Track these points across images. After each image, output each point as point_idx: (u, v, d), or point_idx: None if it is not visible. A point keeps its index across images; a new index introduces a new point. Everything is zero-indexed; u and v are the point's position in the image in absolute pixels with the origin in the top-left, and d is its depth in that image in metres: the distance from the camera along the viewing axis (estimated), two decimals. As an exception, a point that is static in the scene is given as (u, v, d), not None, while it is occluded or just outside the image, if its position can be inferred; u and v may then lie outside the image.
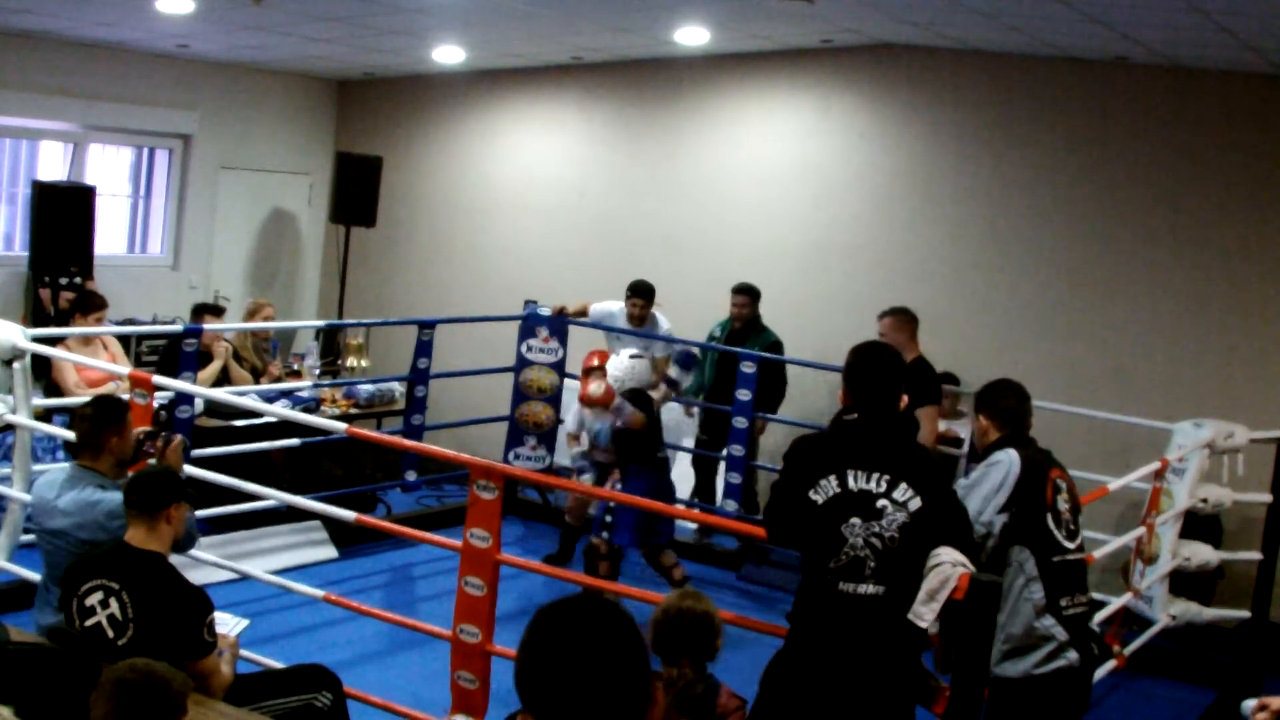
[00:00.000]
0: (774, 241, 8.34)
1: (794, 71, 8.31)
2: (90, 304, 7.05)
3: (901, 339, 6.28)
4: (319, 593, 5.02)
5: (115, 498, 4.11)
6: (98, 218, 7.92)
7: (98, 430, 4.25)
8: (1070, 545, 3.88)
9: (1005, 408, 4.03)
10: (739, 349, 7.44)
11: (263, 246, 9.87)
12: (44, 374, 6.67)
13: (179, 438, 4.50)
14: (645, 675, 1.74)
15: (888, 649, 3.43)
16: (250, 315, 7.79)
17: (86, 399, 4.69)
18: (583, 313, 7.90)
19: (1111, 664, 5.65)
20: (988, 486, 3.85)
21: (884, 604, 3.42)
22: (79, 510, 4.09)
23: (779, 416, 7.60)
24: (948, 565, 3.44)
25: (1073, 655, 3.79)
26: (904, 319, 6.47)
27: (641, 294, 7.70)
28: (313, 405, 7.47)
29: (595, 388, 6.27)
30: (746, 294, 7.67)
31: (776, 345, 7.60)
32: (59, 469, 4.52)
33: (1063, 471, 3.98)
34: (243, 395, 6.51)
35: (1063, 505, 3.89)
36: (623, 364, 6.25)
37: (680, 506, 7.50)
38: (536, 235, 9.27)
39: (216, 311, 7.69)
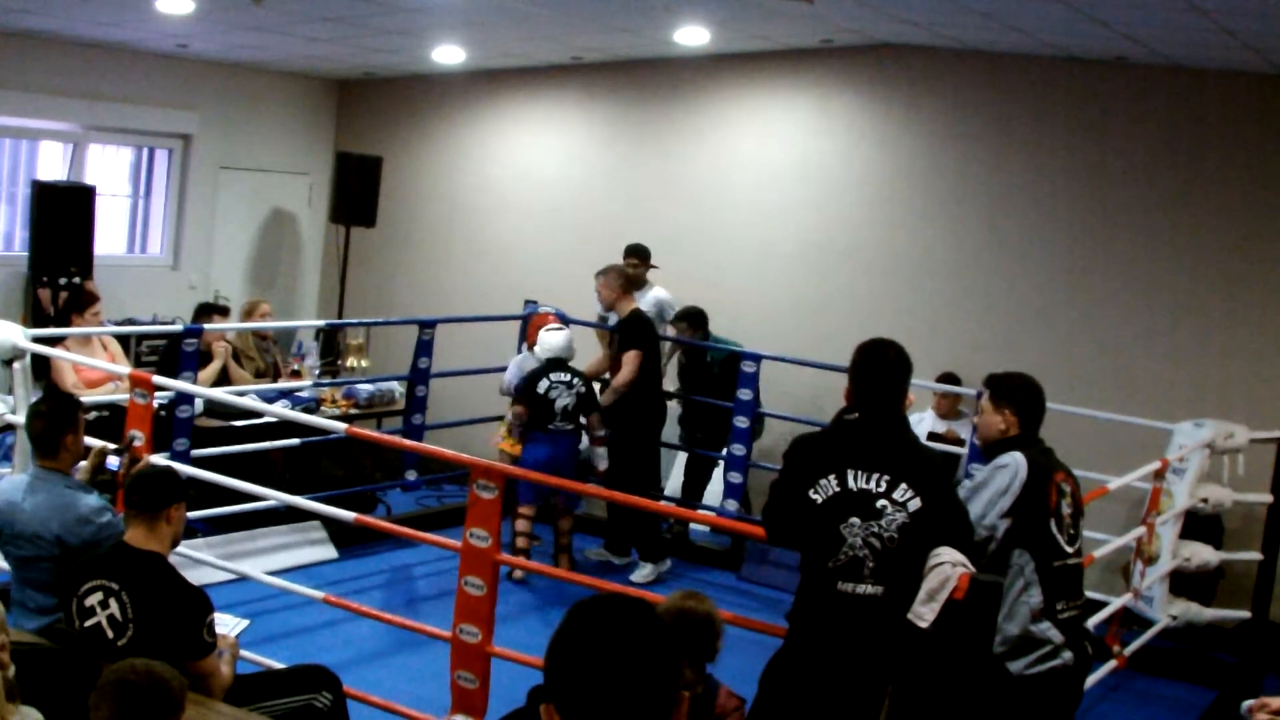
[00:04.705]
0: (773, 241, 8.34)
1: (794, 71, 8.31)
2: (83, 301, 7.05)
3: (613, 296, 7.06)
4: (319, 593, 5.03)
5: (87, 501, 4.12)
6: (98, 218, 7.92)
7: (54, 429, 4.23)
8: (1070, 550, 3.88)
9: (1030, 406, 3.99)
10: (707, 343, 7.59)
11: (263, 246, 9.86)
12: (43, 374, 6.67)
13: (145, 459, 4.51)
14: (675, 678, 1.75)
15: (887, 649, 3.43)
16: (247, 314, 7.79)
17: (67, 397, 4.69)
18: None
19: (1111, 664, 5.65)
20: (993, 490, 3.83)
21: (883, 604, 3.43)
22: (52, 512, 4.07)
23: (778, 413, 7.60)
24: (948, 565, 3.44)
25: (1068, 655, 3.80)
26: (613, 276, 7.10)
27: (636, 254, 7.84)
28: (313, 405, 7.47)
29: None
30: (686, 320, 7.59)
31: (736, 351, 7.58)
32: (22, 474, 4.51)
33: (1067, 474, 3.97)
34: (243, 395, 6.51)
35: (1065, 509, 3.88)
36: (540, 338, 7.02)
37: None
38: (536, 235, 9.27)
39: (223, 312, 7.69)
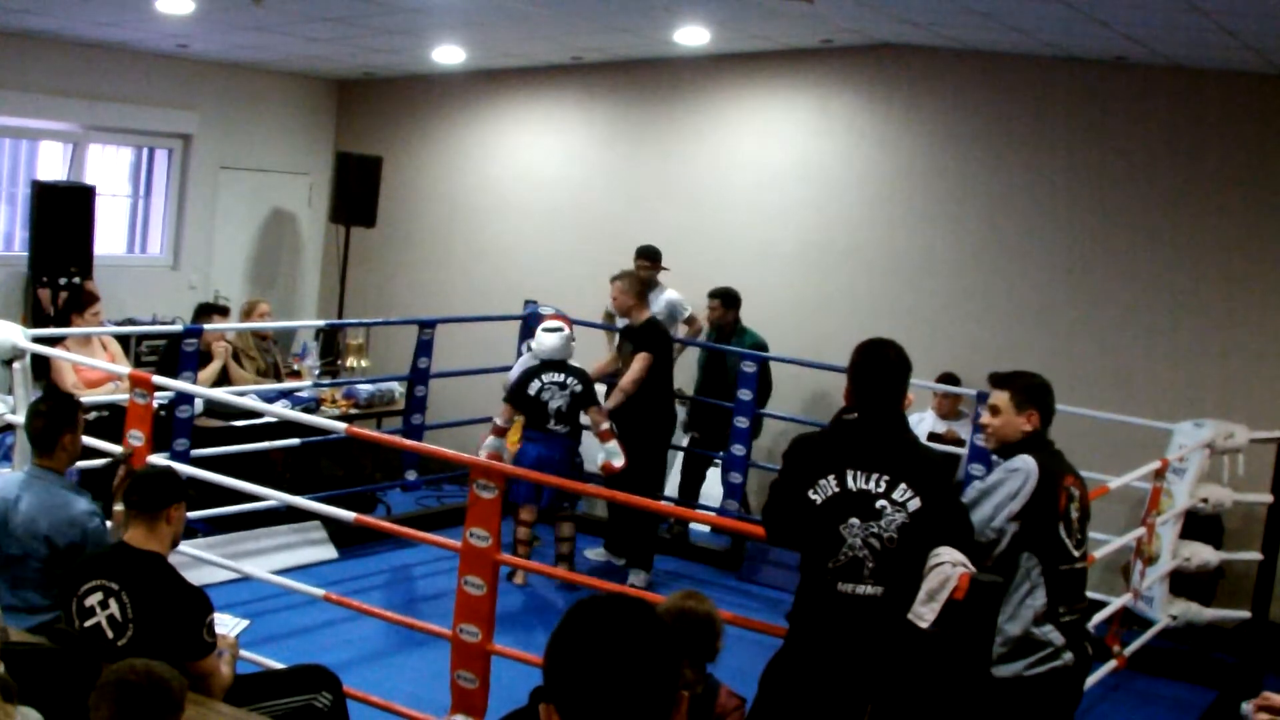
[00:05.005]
0: (773, 241, 8.34)
1: (794, 71, 8.31)
2: (83, 301, 7.05)
3: (628, 303, 6.92)
4: (319, 592, 5.02)
5: (79, 505, 4.12)
6: (97, 218, 7.91)
7: (52, 428, 4.24)
8: (1076, 554, 3.88)
9: (1051, 407, 3.98)
10: (725, 346, 7.55)
11: (263, 246, 9.86)
12: (43, 374, 6.67)
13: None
14: (674, 678, 1.75)
15: (886, 649, 3.42)
16: (246, 315, 7.79)
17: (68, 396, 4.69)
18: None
19: (1111, 664, 5.65)
20: (1003, 493, 3.82)
21: (883, 604, 3.42)
22: (43, 511, 4.08)
23: (779, 413, 7.61)
24: (948, 565, 3.44)
25: (1068, 657, 3.80)
26: (629, 283, 6.96)
27: (646, 256, 7.78)
28: (313, 405, 7.47)
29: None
30: (719, 298, 7.64)
31: (761, 346, 7.60)
32: (18, 472, 4.51)
33: (1076, 478, 3.96)
34: (243, 395, 6.51)
35: (1074, 513, 3.88)
36: (536, 337, 6.88)
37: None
38: (536, 235, 9.27)
39: (223, 311, 7.69)
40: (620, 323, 7.37)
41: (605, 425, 6.73)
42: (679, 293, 7.87)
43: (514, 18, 7.27)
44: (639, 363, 6.84)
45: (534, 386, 6.74)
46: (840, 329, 7.34)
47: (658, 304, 7.64)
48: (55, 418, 4.26)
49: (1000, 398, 3.99)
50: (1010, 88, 7.63)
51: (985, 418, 4.04)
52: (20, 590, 4.12)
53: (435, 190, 9.78)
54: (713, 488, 7.92)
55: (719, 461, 7.71)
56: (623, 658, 1.72)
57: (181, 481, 3.89)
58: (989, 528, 3.81)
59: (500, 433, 6.85)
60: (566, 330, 6.91)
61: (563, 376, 6.76)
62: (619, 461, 6.64)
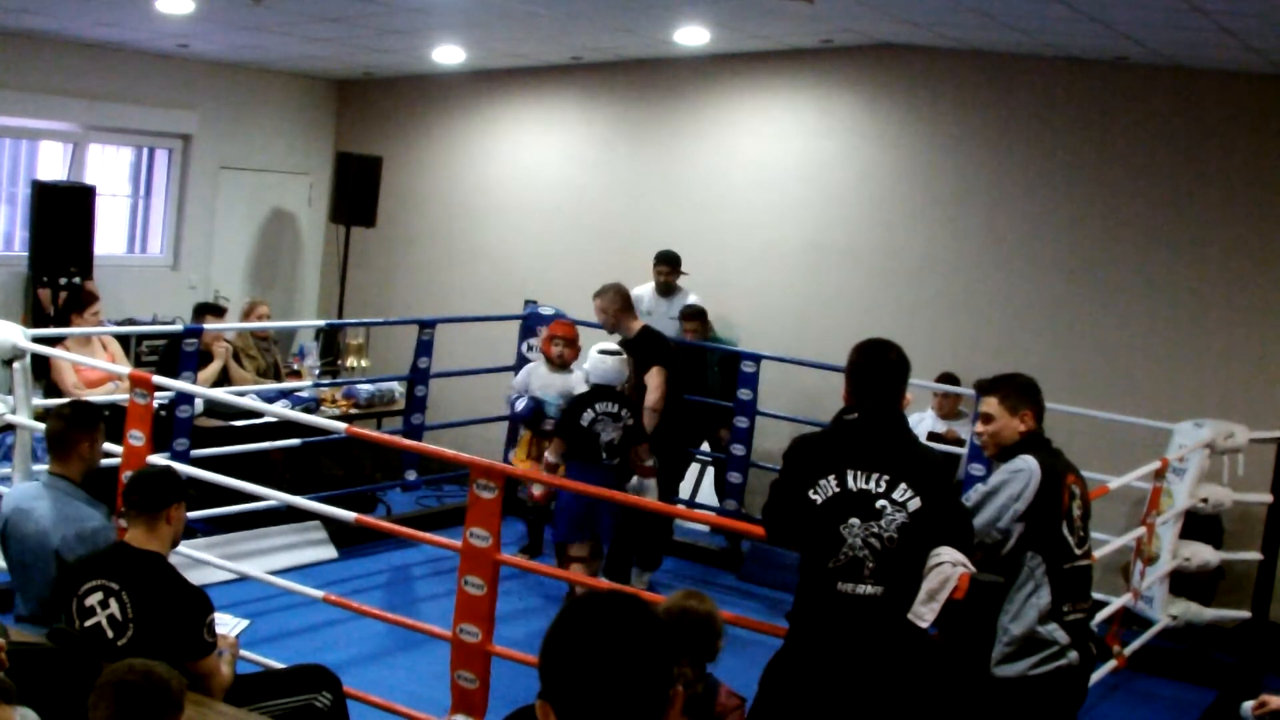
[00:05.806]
0: (774, 241, 8.34)
1: (794, 71, 8.31)
2: (82, 301, 7.05)
3: (612, 318, 6.73)
4: (319, 593, 5.03)
5: (89, 520, 4.11)
6: (98, 218, 7.91)
7: (69, 432, 4.22)
8: (1079, 551, 3.88)
9: (1042, 405, 3.99)
10: (708, 343, 7.61)
11: (263, 246, 9.86)
12: (43, 374, 6.67)
13: None
14: (667, 675, 1.75)
15: (887, 649, 3.43)
16: (245, 316, 7.80)
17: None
18: None
19: (1111, 664, 5.65)
20: (1006, 495, 3.82)
21: (883, 604, 3.42)
22: (55, 524, 4.06)
23: (776, 412, 7.61)
24: (948, 565, 3.44)
25: (1073, 656, 3.80)
26: (609, 297, 6.75)
27: (665, 261, 7.84)
28: (313, 405, 7.47)
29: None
30: (696, 319, 7.63)
31: (731, 345, 7.65)
32: (35, 481, 4.50)
33: (1077, 477, 3.96)
34: (243, 395, 6.51)
35: (1076, 511, 3.89)
36: (591, 359, 6.30)
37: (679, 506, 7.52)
38: (536, 235, 9.27)
39: (218, 311, 7.69)
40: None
41: (650, 462, 6.42)
42: (698, 297, 7.87)
43: (514, 18, 7.27)
44: (657, 378, 6.58)
45: (586, 416, 6.14)
46: (840, 329, 7.33)
47: (677, 308, 7.66)
48: (73, 423, 4.23)
49: (991, 403, 3.98)
50: (1010, 88, 7.63)
51: (979, 426, 4.02)
52: (29, 600, 4.12)
53: (435, 190, 9.78)
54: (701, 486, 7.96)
55: (698, 458, 7.77)
56: (615, 654, 1.72)
57: (181, 481, 3.89)
58: (994, 529, 3.81)
59: (554, 469, 6.29)
60: (624, 355, 6.39)
61: (616, 407, 6.19)
62: (652, 499, 6.37)
